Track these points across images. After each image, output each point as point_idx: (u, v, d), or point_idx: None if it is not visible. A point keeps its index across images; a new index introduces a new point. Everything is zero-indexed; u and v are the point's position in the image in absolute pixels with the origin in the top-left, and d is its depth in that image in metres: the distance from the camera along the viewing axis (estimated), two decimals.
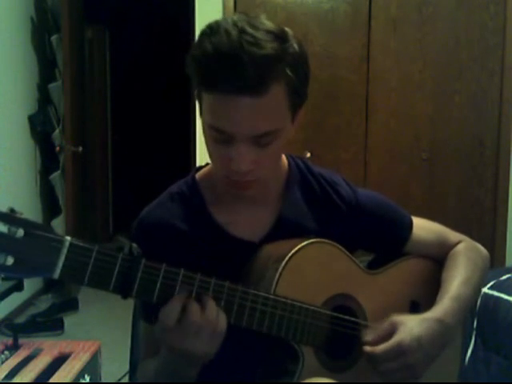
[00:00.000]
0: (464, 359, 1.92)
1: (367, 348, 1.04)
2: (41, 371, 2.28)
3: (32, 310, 3.92)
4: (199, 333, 0.89)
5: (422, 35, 3.33)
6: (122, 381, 2.55)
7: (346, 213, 1.15)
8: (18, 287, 2.62)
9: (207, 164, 1.16)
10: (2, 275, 0.80)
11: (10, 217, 0.79)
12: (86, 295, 4.10)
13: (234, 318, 0.94)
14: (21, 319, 3.73)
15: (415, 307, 1.19)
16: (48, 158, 4.34)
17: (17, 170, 3.93)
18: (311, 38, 3.32)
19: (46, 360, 2.37)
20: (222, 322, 0.91)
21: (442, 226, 1.28)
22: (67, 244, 0.82)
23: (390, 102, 3.37)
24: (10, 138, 3.82)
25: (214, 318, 0.90)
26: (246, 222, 1.11)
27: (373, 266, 1.19)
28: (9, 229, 0.79)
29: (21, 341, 2.55)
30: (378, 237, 1.19)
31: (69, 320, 3.73)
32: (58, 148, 4.19)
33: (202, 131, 1.03)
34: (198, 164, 2.78)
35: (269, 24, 0.96)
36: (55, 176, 4.27)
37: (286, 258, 1.00)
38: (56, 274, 0.82)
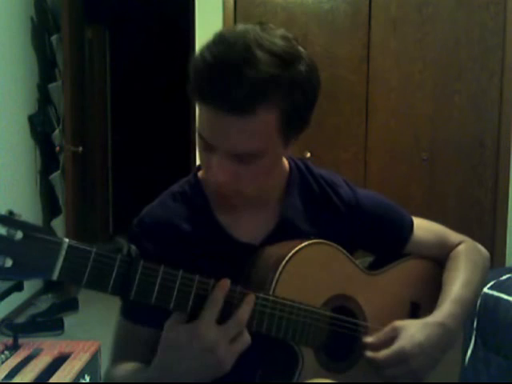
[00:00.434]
0: (464, 359, 1.92)
1: (369, 353, 1.04)
2: (41, 371, 2.28)
3: (32, 310, 3.92)
4: (241, 335, 0.90)
5: (422, 35, 3.33)
6: None
7: (346, 214, 1.15)
8: (18, 287, 2.62)
9: None
10: (1, 277, 0.80)
11: (8, 219, 0.79)
12: (85, 295, 4.10)
13: None
14: (21, 319, 3.73)
15: (415, 308, 1.19)
16: (48, 158, 4.34)
17: (17, 170, 3.93)
18: (311, 38, 3.32)
19: (46, 360, 2.37)
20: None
21: (442, 226, 1.28)
22: (65, 246, 0.82)
23: (389, 102, 3.38)
24: (10, 137, 3.82)
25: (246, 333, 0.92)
26: (247, 224, 1.10)
27: (373, 266, 1.19)
28: (7, 231, 0.79)
29: (21, 341, 2.55)
30: (378, 237, 1.19)
31: (69, 320, 3.73)
32: (58, 148, 4.19)
33: None
34: (198, 163, 2.78)
35: (280, 44, 0.92)
36: (55, 176, 4.27)
37: (285, 259, 1.00)
38: (54, 276, 0.82)
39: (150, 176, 6.04)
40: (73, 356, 2.42)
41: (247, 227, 1.10)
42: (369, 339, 1.05)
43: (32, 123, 4.13)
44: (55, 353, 2.44)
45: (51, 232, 0.82)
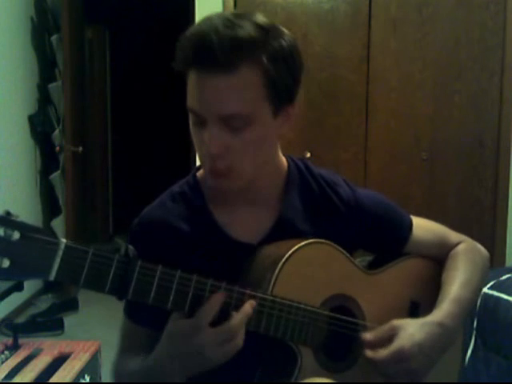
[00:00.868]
0: (464, 359, 1.92)
1: (368, 353, 1.04)
2: (41, 371, 2.28)
3: (32, 310, 3.92)
4: (232, 340, 0.90)
5: (422, 35, 3.33)
6: None
7: (345, 213, 1.15)
8: (18, 287, 2.62)
9: None
10: None
11: (5, 219, 0.80)
12: (85, 295, 4.09)
13: None
14: (21, 319, 3.73)
15: (415, 307, 1.19)
16: (48, 158, 4.34)
17: (17, 170, 3.93)
18: (311, 38, 3.32)
19: (46, 360, 2.37)
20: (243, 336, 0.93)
21: (442, 225, 1.28)
22: (62, 246, 0.82)
23: (389, 102, 3.37)
24: (10, 137, 3.82)
25: (241, 331, 0.92)
26: (245, 224, 1.10)
27: (373, 266, 1.19)
28: (5, 231, 0.79)
29: (21, 341, 2.55)
30: (377, 237, 1.19)
31: (69, 320, 3.73)
32: (57, 148, 4.19)
33: None
34: (197, 164, 2.78)
35: (262, 19, 0.98)
36: (55, 176, 4.27)
37: (284, 259, 1.00)
38: (52, 276, 0.82)
39: (150, 176, 6.04)
40: (73, 356, 2.42)
41: (245, 227, 1.10)
42: (367, 336, 1.05)
43: (32, 123, 4.13)
44: (55, 353, 2.44)
45: (48, 232, 0.83)
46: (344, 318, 1.08)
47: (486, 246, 1.29)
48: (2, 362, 2.33)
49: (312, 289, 1.05)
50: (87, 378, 2.37)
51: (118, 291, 0.87)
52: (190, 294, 0.92)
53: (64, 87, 4.09)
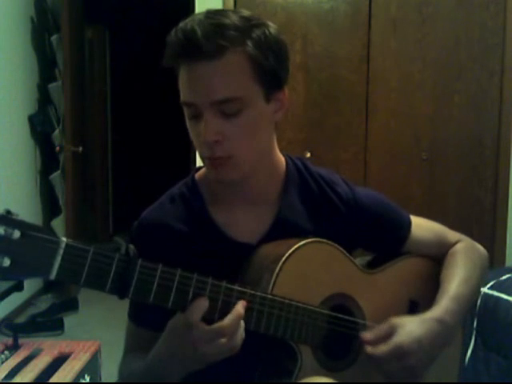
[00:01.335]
0: (464, 359, 1.92)
1: (368, 348, 1.04)
2: (41, 371, 2.28)
3: (32, 310, 3.91)
4: (224, 338, 0.90)
5: (422, 35, 3.33)
6: None
7: (344, 212, 1.15)
8: (18, 287, 2.62)
9: None
10: None
11: (6, 218, 0.80)
12: (86, 295, 4.10)
13: None
14: (21, 319, 3.73)
15: (414, 306, 1.19)
16: (48, 158, 4.34)
17: (17, 170, 3.93)
18: (311, 38, 3.32)
19: (46, 360, 2.37)
20: (242, 337, 0.93)
21: (440, 225, 1.28)
22: (63, 245, 0.82)
23: (389, 102, 3.37)
24: (10, 137, 3.82)
25: (239, 330, 0.92)
26: (244, 224, 1.11)
27: (372, 265, 1.19)
28: (5, 230, 0.79)
29: (21, 341, 2.55)
30: (376, 236, 1.19)
31: (69, 320, 3.73)
32: (58, 148, 4.19)
33: None
34: (197, 164, 2.78)
35: (245, 12, 1.01)
36: (55, 176, 4.27)
37: (283, 258, 1.00)
38: (52, 275, 0.82)
39: (150, 176, 6.05)
40: (73, 356, 2.41)
41: (244, 227, 1.10)
42: (366, 335, 1.05)
43: (32, 123, 4.13)
44: (55, 353, 2.43)
45: (49, 231, 0.83)
46: (343, 317, 1.08)
47: (485, 246, 1.29)
48: (2, 362, 2.33)
49: (312, 288, 1.05)
50: (87, 378, 2.37)
51: (119, 290, 0.87)
52: (191, 293, 0.92)
53: (64, 87, 4.09)
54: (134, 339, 1.12)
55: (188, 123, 1.03)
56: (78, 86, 4.44)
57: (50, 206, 4.37)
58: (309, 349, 1.03)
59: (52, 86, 4.28)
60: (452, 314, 1.10)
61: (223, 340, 0.90)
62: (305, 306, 1.02)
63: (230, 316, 0.92)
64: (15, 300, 3.66)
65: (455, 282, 1.15)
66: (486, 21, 3.29)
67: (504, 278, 2.18)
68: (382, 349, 1.02)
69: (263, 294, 0.97)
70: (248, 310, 0.95)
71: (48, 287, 4.26)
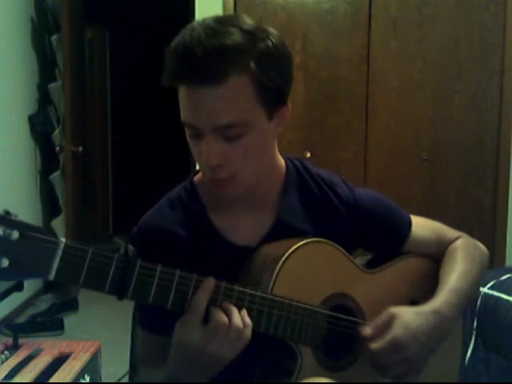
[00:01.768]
0: (464, 359, 1.92)
1: (366, 342, 1.04)
2: (41, 371, 2.28)
3: (32, 310, 3.91)
4: (227, 335, 0.91)
5: (422, 35, 3.33)
6: (122, 381, 2.55)
7: (344, 213, 1.15)
8: (18, 287, 2.62)
9: None
10: None
11: (4, 219, 0.80)
12: (86, 295, 4.09)
13: None
14: (21, 319, 3.73)
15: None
16: (48, 158, 4.34)
17: (17, 170, 3.93)
18: (311, 38, 3.32)
19: (46, 360, 2.37)
20: (248, 328, 0.93)
21: (439, 223, 1.28)
22: (62, 246, 0.82)
23: (389, 102, 3.37)
24: (10, 137, 3.82)
25: (239, 322, 0.92)
26: (243, 227, 1.10)
27: (372, 265, 1.19)
28: (4, 231, 0.79)
29: (21, 341, 2.55)
30: (377, 236, 1.19)
31: (69, 320, 3.73)
32: (57, 148, 4.18)
33: None
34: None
35: (245, 21, 0.97)
36: (55, 176, 4.27)
37: (283, 258, 1.00)
38: (51, 276, 0.82)
39: (150, 176, 6.05)
40: (73, 356, 2.41)
41: (244, 230, 1.10)
42: (367, 330, 1.05)
43: (32, 123, 4.13)
44: (55, 353, 2.43)
45: (48, 232, 0.83)
46: (343, 316, 1.08)
47: (486, 246, 1.29)
48: (2, 362, 2.33)
49: (312, 288, 1.05)
50: (87, 378, 2.37)
51: (118, 291, 0.87)
52: (190, 294, 0.92)
53: (64, 87, 4.08)
54: (150, 348, 1.11)
55: (189, 140, 1.02)
56: (78, 86, 4.44)
57: (50, 206, 4.37)
58: (309, 349, 1.03)
59: (52, 86, 4.27)
60: (450, 306, 1.10)
61: (223, 330, 0.91)
62: (305, 305, 1.02)
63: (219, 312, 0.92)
64: (15, 300, 3.65)
65: (454, 275, 1.15)
66: (486, 21, 3.29)
67: (504, 278, 2.18)
68: (378, 342, 1.02)
69: (263, 294, 0.97)
70: (248, 310, 0.95)
71: (48, 287, 4.26)
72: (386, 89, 3.36)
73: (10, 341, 2.55)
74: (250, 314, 0.95)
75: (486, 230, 3.38)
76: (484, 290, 2.12)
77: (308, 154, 3.34)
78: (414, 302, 1.19)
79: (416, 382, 1.08)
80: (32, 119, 4.13)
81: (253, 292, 0.96)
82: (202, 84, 0.92)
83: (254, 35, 0.96)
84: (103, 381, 2.60)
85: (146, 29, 6.23)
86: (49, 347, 2.49)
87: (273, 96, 0.99)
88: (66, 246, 0.82)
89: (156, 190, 1.26)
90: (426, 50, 3.33)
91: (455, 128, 3.37)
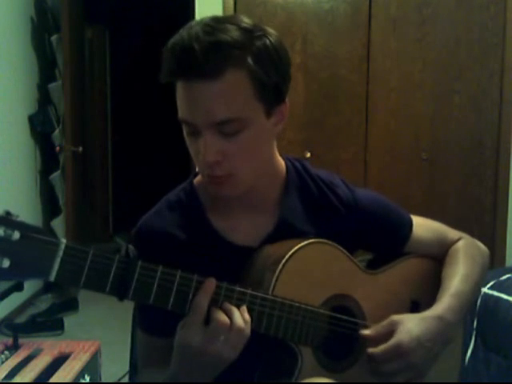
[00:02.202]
0: (464, 359, 1.92)
1: (368, 349, 1.03)
2: (41, 371, 2.28)
3: (32, 310, 3.91)
4: (228, 336, 0.91)
5: (422, 35, 3.33)
6: (122, 381, 2.55)
7: (344, 214, 1.15)
8: (18, 287, 2.62)
9: None
10: None
11: (5, 219, 0.79)
12: (86, 295, 4.09)
13: None
14: (21, 319, 3.73)
15: (416, 307, 1.19)
16: (48, 158, 4.34)
17: (17, 170, 3.93)
18: (311, 38, 3.32)
19: (46, 360, 2.37)
20: (248, 324, 0.93)
21: (440, 223, 1.28)
22: (63, 247, 0.82)
23: (389, 102, 3.37)
24: (10, 138, 3.82)
25: (241, 322, 0.92)
26: (244, 228, 1.10)
27: (373, 265, 1.19)
28: (5, 231, 0.79)
29: (21, 341, 2.55)
30: (377, 237, 1.19)
31: (69, 320, 3.73)
32: (57, 148, 4.19)
33: None
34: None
35: (243, 20, 0.97)
36: (55, 176, 4.27)
37: (284, 259, 1.00)
38: (52, 277, 0.82)
39: (150, 176, 6.04)
40: (73, 356, 2.41)
41: (245, 231, 1.10)
42: (366, 331, 1.05)
43: (32, 123, 4.13)
44: (55, 353, 2.43)
45: (49, 233, 0.82)
46: (344, 317, 1.08)
47: (486, 246, 1.29)
48: (2, 362, 2.33)
49: (313, 288, 1.05)
50: (87, 378, 2.37)
51: (119, 292, 0.87)
52: (191, 295, 0.92)
53: (64, 87, 4.09)
54: (149, 351, 1.11)
55: (187, 138, 1.01)
56: (78, 86, 4.44)
57: (49, 206, 4.37)
58: (309, 349, 1.03)
59: (52, 85, 4.27)
60: (453, 311, 1.09)
61: (225, 331, 0.91)
62: (306, 306, 1.02)
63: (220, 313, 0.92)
64: (15, 300, 3.65)
65: (456, 279, 1.15)
66: (486, 21, 3.29)
67: (504, 278, 2.18)
68: (382, 348, 1.02)
69: (264, 295, 0.97)
70: (249, 310, 0.95)
71: (48, 287, 4.26)
72: (385, 89, 3.36)
73: (10, 341, 2.55)
74: (250, 315, 0.95)
75: (486, 230, 3.38)
76: (484, 290, 2.12)
77: (308, 154, 3.34)
78: (415, 303, 1.19)
79: (416, 382, 1.08)
80: (32, 119, 4.13)
81: (254, 292, 0.96)
82: (199, 79, 0.92)
83: (251, 32, 0.96)
84: (103, 381, 2.60)
85: (146, 29, 6.23)
86: (49, 347, 2.49)
87: (270, 93, 0.99)
88: (66, 247, 0.82)
89: (156, 190, 1.26)
90: (425, 50, 3.33)
91: (455, 128, 3.37)
